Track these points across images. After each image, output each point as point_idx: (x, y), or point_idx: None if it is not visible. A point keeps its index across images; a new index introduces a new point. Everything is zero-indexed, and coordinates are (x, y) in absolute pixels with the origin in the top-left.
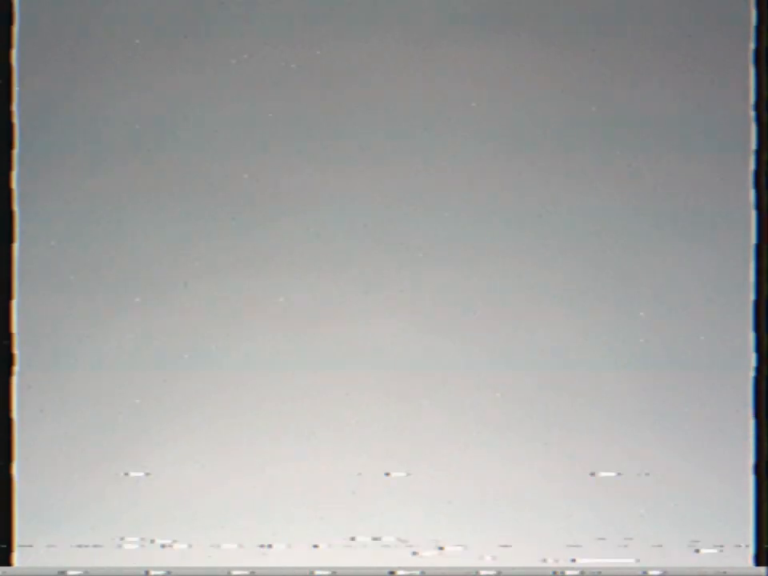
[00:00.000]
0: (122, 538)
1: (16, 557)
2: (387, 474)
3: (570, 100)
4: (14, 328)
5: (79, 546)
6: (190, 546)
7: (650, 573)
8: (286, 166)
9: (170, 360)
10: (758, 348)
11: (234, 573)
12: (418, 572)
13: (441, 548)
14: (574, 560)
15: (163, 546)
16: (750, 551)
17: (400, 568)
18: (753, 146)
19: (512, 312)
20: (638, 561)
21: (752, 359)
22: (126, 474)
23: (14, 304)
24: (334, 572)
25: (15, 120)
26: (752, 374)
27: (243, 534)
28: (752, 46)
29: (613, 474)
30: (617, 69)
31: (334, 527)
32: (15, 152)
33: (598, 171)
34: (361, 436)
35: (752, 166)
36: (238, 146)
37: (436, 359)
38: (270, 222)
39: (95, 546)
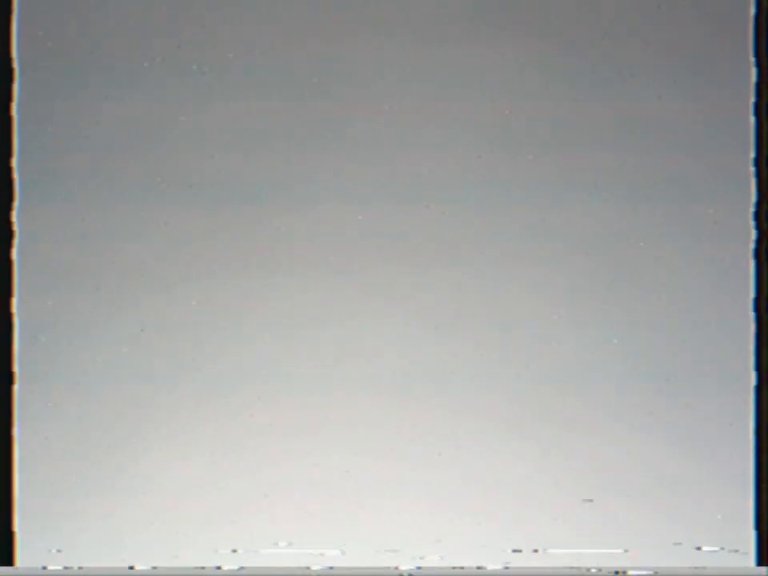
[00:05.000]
0: (122, 538)
1: (17, 557)
2: (388, 475)
3: (570, 100)
4: (15, 327)
5: (79, 546)
6: (190, 546)
7: (650, 572)
8: (287, 166)
9: (170, 360)
10: (758, 347)
11: (233, 573)
12: (418, 571)
13: (438, 543)
14: (573, 560)
15: (164, 546)
16: (752, 551)
17: (399, 568)
18: (752, 145)
19: (513, 312)
20: (637, 561)
21: (752, 358)
22: (127, 474)
23: (15, 304)
24: (335, 572)
25: (15, 120)
26: (753, 373)
27: (242, 535)
28: (752, 45)
29: (613, 474)
30: (617, 68)
31: (335, 528)
32: (15, 151)
33: (599, 171)
34: (361, 436)
35: (752, 165)
36: (238, 145)
37: (437, 359)
38: (271, 222)
39: (95, 546)
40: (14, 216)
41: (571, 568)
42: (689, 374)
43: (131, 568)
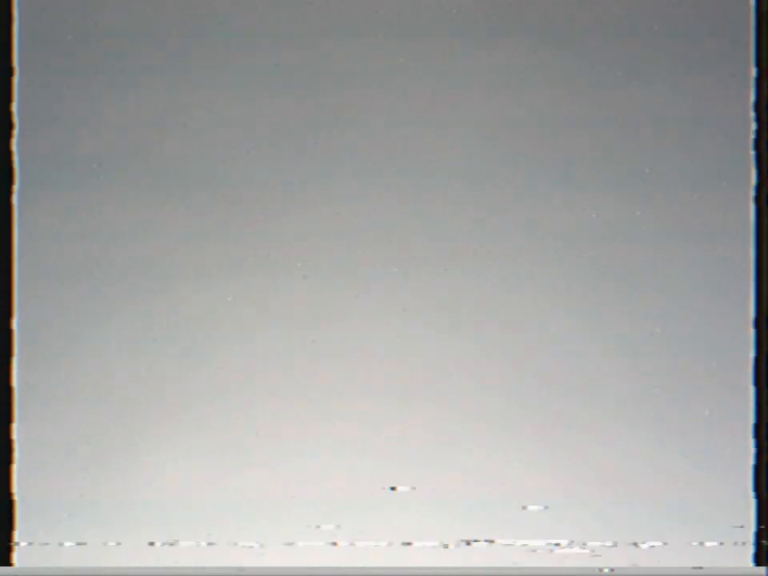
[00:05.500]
0: (122, 538)
1: (16, 557)
2: (388, 475)
3: (569, 100)
4: (15, 326)
5: (79, 546)
6: (190, 546)
7: (650, 572)
8: (286, 166)
9: (170, 360)
10: (758, 346)
11: (234, 573)
12: (420, 571)
13: (446, 546)
14: (573, 559)
15: (164, 545)
16: (750, 551)
17: (399, 568)
18: (752, 144)
19: (513, 312)
20: (637, 560)
21: (752, 358)
22: (127, 474)
23: (15, 302)
24: (335, 572)
25: (15, 119)
26: (752, 372)
27: (242, 535)
28: (752, 45)
29: (612, 473)
30: (617, 68)
31: (335, 528)
32: (15, 151)
33: (598, 171)
34: (362, 436)
35: (752, 165)
36: (238, 145)
37: (437, 359)
38: (270, 222)
39: (95, 546)
40: (14, 215)
41: (571, 567)
42: (689, 374)
43: (131, 568)
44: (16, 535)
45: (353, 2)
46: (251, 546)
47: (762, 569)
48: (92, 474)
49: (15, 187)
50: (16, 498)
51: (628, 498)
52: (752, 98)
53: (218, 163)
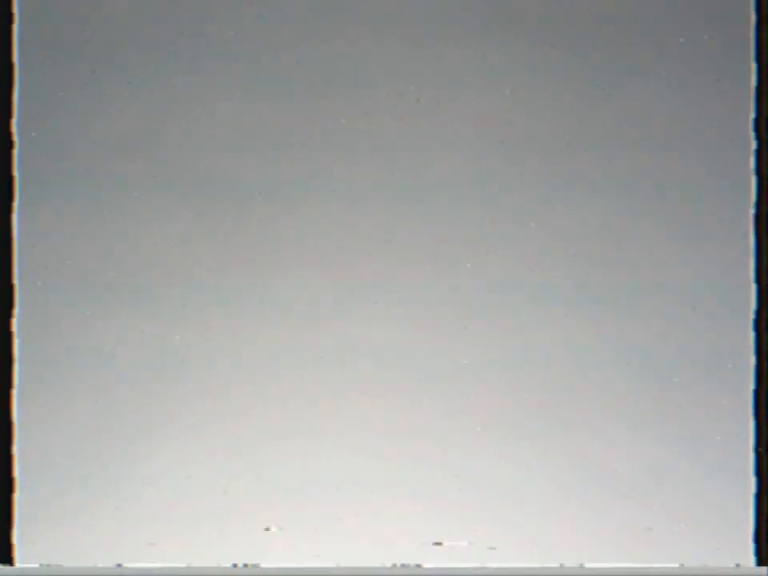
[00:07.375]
0: (122, 539)
1: (17, 556)
2: (388, 476)
3: (569, 100)
4: (14, 327)
5: (79, 546)
6: (190, 546)
7: (650, 572)
8: (286, 166)
9: (170, 360)
10: (758, 347)
11: (233, 573)
12: (418, 571)
13: (438, 543)
14: (572, 559)
15: (164, 546)
16: (751, 551)
17: (397, 567)
18: (752, 144)
19: (513, 312)
20: (636, 561)
21: (752, 359)
22: (127, 474)
23: (15, 304)
24: (335, 572)
25: (15, 119)
26: (752, 373)
27: (242, 535)
28: (752, 44)
29: (612, 473)
30: (617, 68)
31: (335, 528)
32: (15, 152)
33: (598, 171)
34: (362, 436)
35: (752, 165)
36: (238, 145)
37: (436, 359)
38: (270, 222)
39: (95, 546)
40: (14, 216)
41: (570, 568)
42: (688, 374)
43: (131, 568)
44: (16, 535)
45: (352, 2)
46: (251, 547)
47: (763, 569)
48: (92, 474)
49: (15, 187)
50: (16, 497)
51: (627, 498)
52: (752, 97)
53: (217, 164)
